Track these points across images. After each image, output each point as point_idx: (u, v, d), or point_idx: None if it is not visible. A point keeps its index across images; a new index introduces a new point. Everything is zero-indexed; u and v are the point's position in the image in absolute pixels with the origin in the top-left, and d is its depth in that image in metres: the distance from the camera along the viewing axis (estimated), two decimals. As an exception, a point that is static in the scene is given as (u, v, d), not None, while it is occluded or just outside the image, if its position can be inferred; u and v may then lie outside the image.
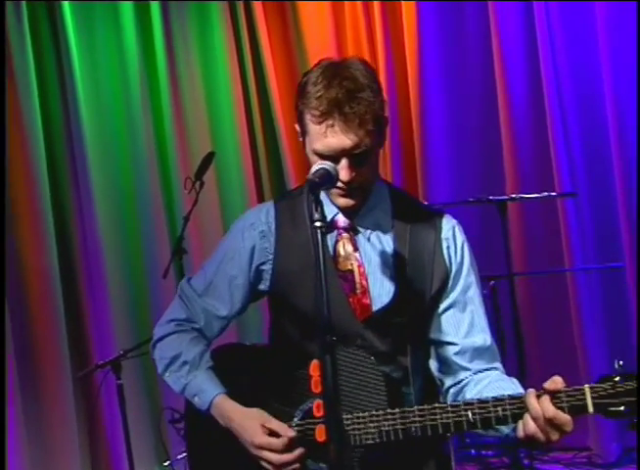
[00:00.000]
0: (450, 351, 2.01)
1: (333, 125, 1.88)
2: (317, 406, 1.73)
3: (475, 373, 2.00)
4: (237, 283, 2.14)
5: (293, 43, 5.48)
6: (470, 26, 4.96)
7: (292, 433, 1.93)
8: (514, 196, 4.13)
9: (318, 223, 1.67)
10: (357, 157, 1.91)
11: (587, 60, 4.52)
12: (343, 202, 1.99)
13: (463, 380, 2.01)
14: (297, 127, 2.01)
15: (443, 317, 2.03)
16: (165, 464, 4.93)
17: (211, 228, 5.26)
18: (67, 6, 5.09)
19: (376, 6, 5.15)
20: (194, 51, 5.40)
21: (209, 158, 4.34)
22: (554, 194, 4.33)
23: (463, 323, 2.02)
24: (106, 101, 5.24)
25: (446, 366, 2.03)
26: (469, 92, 4.98)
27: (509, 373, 2.02)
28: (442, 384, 2.05)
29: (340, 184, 1.92)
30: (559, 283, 4.60)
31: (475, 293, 2.05)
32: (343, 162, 1.90)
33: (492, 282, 4.16)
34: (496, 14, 4.73)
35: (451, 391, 2.03)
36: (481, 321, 2.04)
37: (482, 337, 2.02)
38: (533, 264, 4.68)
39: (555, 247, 4.58)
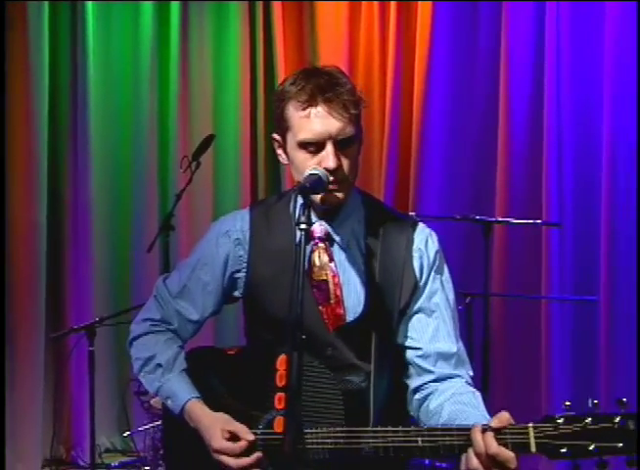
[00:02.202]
0: (413, 354, 2.02)
1: (317, 110, 1.93)
2: (279, 399, 1.75)
3: (438, 379, 2.00)
4: (209, 289, 2.15)
5: (306, 40, 5.55)
6: (481, 36, 5.00)
7: (251, 436, 1.94)
8: (500, 219, 4.19)
9: (303, 226, 1.72)
10: (341, 143, 1.94)
11: (590, 95, 4.58)
12: (332, 198, 1.98)
13: (427, 386, 2.01)
14: (277, 136, 2.05)
15: (410, 323, 2.03)
16: (125, 435, 5.00)
17: (202, 209, 5.33)
18: (89, 5, 5.19)
19: (392, 6, 5.20)
20: (208, 40, 5.49)
21: (209, 140, 4.38)
22: (539, 222, 4.38)
23: (428, 328, 2.02)
24: (115, 72, 5.33)
25: (410, 370, 2.04)
26: (472, 108, 5.02)
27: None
28: (407, 388, 2.05)
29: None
30: (533, 309, 4.65)
31: (441, 299, 2.05)
32: (329, 147, 1.93)
33: (468, 299, 4.17)
34: (508, 27, 4.79)
35: (416, 396, 2.03)
36: (447, 328, 2.04)
37: (447, 343, 2.02)
38: (510, 287, 4.73)
39: (534, 273, 4.64)
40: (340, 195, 1.99)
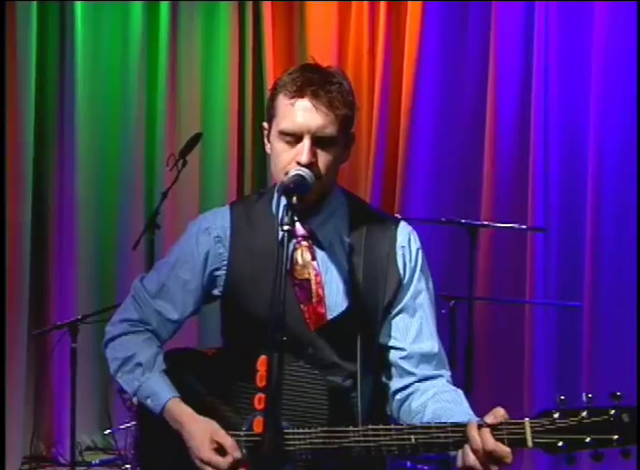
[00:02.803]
0: (397, 355, 2.01)
1: (303, 102, 1.92)
2: (259, 399, 1.74)
3: (420, 380, 2.00)
4: (189, 288, 2.12)
5: (295, 42, 5.59)
6: (470, 37, 5.02)
7: (239, 454, 1.91)
8: (486, 223, 4.19)
9: (286, 227, 1.72)
10: (319, 141, 1.93)
11: (577, 99, 4.60)
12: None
13: (409, 386, 2.00)
14: (265, 124, 2.05)
15: (393, 322, 2.03)
16: (107, 432, 4.98)
17: (188, 207, 5.31)
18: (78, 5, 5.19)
19: (382, 6, 5.23)
20: (197, 40, 5.49)
21: (196, 138, 4.38)
22: (525, 227, 4.39)
23: (411, 328, 2.02)
24: (103, 71, 5.33)
25: (392, 371, 2.03)
26: (460, 111, 5.04)
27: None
28: (388, 388, 2.05)
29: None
30: (517, 313, 4.67)
31: (425, 299, 2.05)
32: (306, 141, 1.92)
33: (452, 302, 4.16)
34: (497, 27, 4.81)
35: (397, 397, 2.02)
36: (430, 328, 2.04)
37: (430, 343, 2.02)
38: (495, 291, 4.75)
39: (518, 277, 4.65)
40: (309, 195, 1.95)
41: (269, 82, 5.39)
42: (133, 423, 4.19)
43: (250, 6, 5.52)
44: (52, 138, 5.20)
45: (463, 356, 4.00)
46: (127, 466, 4.32)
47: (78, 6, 5.16)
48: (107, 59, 5.32)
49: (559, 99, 4.62)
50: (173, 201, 5.01)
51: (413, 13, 5.08)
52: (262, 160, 5.50)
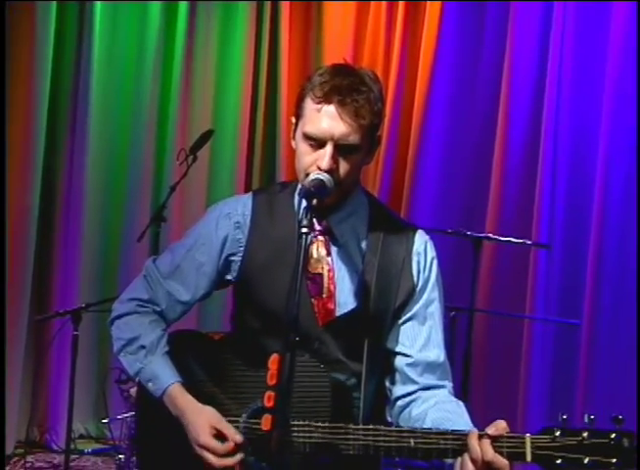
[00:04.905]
0: (403, 362, 2.04)
1: (329, 109, 1.93)
2: (268, 397, 1.76)
3: (423, 388, 2.02)
4: (204, 270, 2.13)
5: (312, 42, 5.60)
6: (487, 39, 5.03)
7: (238, 439, 1.93)
8: (490, 235, 4.19)
9: (305, 229, 1.74)
10: (342, 148, 1.94)
11: (588, 114, 4.60)
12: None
13: (411, 394, 2.03)
14: (293, 119, 2.06)
15: (402, 328, 2.05)
16: (104, 422, 5.00)
17: (195, 203, 5.34)
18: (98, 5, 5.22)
19: (400, 6, 5.23)
20: (214, 40, 5.54)
21: (208, 135, 4.39)
22: (529, 242, 4.39)
23: (420, 336, 2.04)
24: (118, 68, 5.38)
25: (397, 376, 2.05)
26: (471, 117, 5.05)
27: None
28: (390, 393, 2.07)
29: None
30: (516, 327, 4.67)
31: (436, 309, 2.08)
32: (328, 148, 1.93)
33: (453, 313, 4.18)
34: (514, 30, 4.82)
35: (398, 403, 2.04)
36: (438, 337, 2.06)
37: (437, 353, 2.05)
38: (496, 304, 4.76)
39: (519, 292, 4.66)
40: (328, 198, 1.95)
41: (283, 82, 5.43)
42: (129, 414, 4.21)
43: (268, 6, 5.54)
44: (64, 132, 5.21)
45: (460, 367, 4.02)
46: (121, 456, 4.33)
47: (98, 6, 5.19)
48: (123, 57, 5.36)
49: (570, 110, 4.61)
50: (181, 195, 5.05)
51: (431, 13, 5.08)
52: (271, 159, 5.53)
